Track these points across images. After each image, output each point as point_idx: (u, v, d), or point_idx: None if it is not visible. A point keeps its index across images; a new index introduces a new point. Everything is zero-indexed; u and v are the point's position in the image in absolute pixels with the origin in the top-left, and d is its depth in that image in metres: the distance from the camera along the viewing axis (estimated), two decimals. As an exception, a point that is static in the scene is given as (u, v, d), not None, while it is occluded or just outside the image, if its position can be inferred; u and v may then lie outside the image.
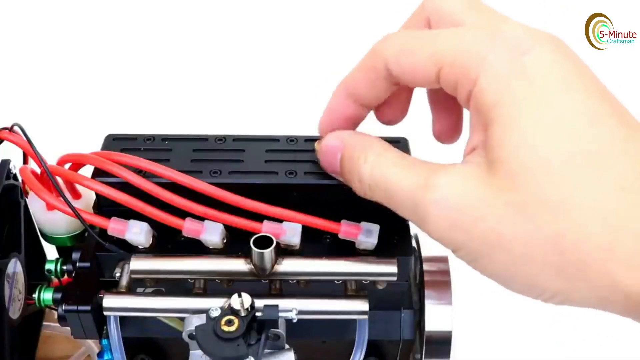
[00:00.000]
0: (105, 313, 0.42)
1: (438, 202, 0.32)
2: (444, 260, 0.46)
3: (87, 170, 0.43)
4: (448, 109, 0.40)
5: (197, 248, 0.43)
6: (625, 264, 0.29)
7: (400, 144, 0.45)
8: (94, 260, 0.44)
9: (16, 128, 0.45)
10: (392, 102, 0.39)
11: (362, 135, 0.38)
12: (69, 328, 0.44)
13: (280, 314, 0.39)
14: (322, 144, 0.39)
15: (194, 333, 0.39)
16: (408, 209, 0.34)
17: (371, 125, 0.40)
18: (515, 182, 0.30)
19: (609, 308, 0.31)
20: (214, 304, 0.39)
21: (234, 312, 0.38)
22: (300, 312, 0.41)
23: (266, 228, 0.41)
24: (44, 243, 0.53)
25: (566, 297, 0.31)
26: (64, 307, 0.42)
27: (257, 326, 0.39)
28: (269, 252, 0.40)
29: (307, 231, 0.42)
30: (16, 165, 0.50)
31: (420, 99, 0.41)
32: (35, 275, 0.52)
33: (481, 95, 0.32)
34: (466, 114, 0.36)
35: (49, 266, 0.48)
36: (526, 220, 0.30)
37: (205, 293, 0.43)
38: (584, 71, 0.31)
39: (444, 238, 0.33)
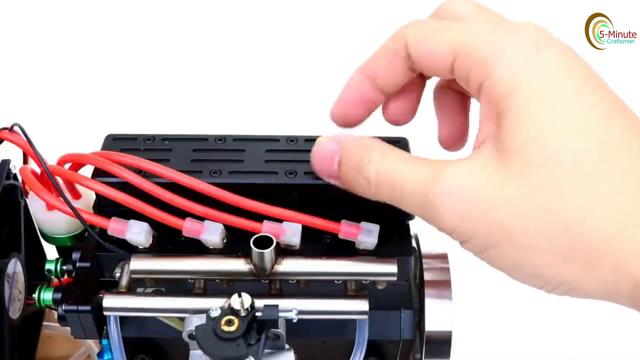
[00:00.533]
0: (105, 313, 0.42)
1: (449, 192, 0.32)
2: (444, 259, 0.46)
3: (87, 170, 0.43)
4: (454, 115, 0.40)
5: (197, 248, 0.43)
6: (635, 253, 0.29)
7: (400, 144, 0.45)
8: (94, 260, 0.44)
9: (16, 128, 0.45)
10: (402, 101, 0.40)
11: (360, 137, 0.38)
12: (69, 328, 0.44)
13: (280, 314, 0.39)
14: (316, 147, 0.39)
15: (194, 333, 0.39)
16: (417, 203, 0.34)
17: (370, 126, 0.41)
18: (528, 172, 0.31)
19: (615, 297, 0.31)
20: (214, 304, 0.39)
21: (234, 312, 0.38)
22: (300, 312, 0.41)
23: (266, 228, 0.41)
24: (44, 243, 0.53)
25: (572, 286, 0.31)
26: (64, 307, 0.42)
27: (257, 326, 0.39)
28: (269, 252, 0.40)
29: (307, 231, 0.42)
30: (16, 165, 0.50)
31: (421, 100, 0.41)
32: (35, 275, 0.52)
33: (496, 84, 0.32)
34: (473, 116, 0.36)
35: (49, 266, 0.48)
36: (537, 209, 0.30)
37: (205, 293, 0.43)
38: (593, 73, 0.33)
39: (454, 229, 0.33)
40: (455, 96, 0.40)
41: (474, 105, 0.40)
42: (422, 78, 0.40)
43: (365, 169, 0.36)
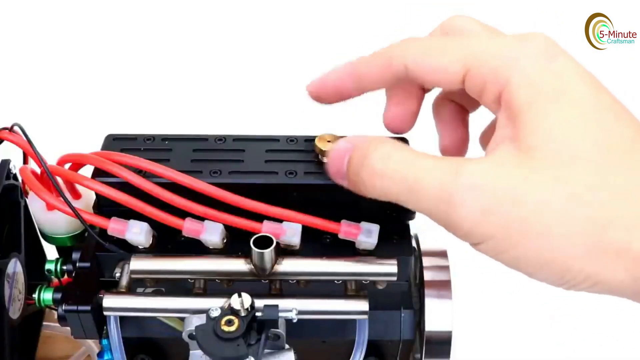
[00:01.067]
0: (105, 313, 0.42)
1: (472, 186, 0.32)
2: (443, 259, 0.46)
3: (87, 170, 0.43)
4: (455, 126, 0.41)
5: (197, 248, 0.43)
6: None
7: (400, 144, 0.45)
8: (94, 260, 0.44)
9: (16, 128, 0.45)
10: (403, 111, 0.40)
11: (372, 136, 0.38)
12: (69, 328, 0.44)
13: (280, 314, 0.39)
14: (332, 148, 0.38)
15: (194, 333, 0.39)
16: (433, 199, 0.33)
17: (368, 127, 0.41)
18: (550, 166, 0.31)
19: None
20: (214, 304, 0.39)
21: (234, 312, 0.38)
22: (300, 312, 0.41)
23: (266, 228, 0.41)
24: (44, 243, 0.53)
25: (598, 280, 0.32)
26: (64, 307, 0.42)
27: (257, 326, 0.39)
28: (269, 252, 0.40)
29: (307, 231, 0.42)
30: (16, 165, 0.50)
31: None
32: (35, 275, 0.52)
33: (515, 91, 0.33)
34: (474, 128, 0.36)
35: (49, 266, 0.48)
36: (562, 201, 0.31)
37: (205, 293, 0.43)
38: (596, 78, 0.34)
39: (473, 226, 0.32)
40: (455, 108, 0.41)
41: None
42: (422, 90, 0.40)
43: (378, 164, 0.35)
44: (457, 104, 0.41)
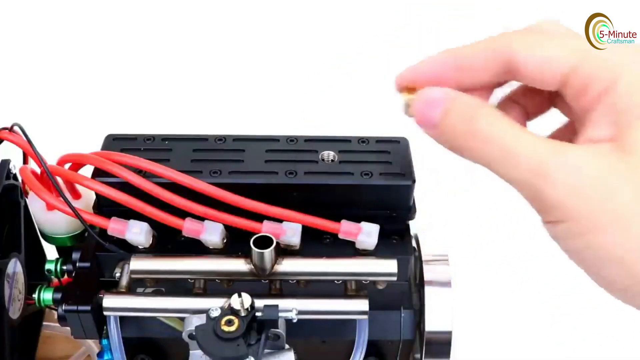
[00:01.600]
0: (105, 313, 0.42)
1: (569, 166, 0.32)
2: (444, 259, 0.46)
3: (87, 170, 0.43)
4: None
5: (197, 248, 0.43)
6: None
7: (400, 144, 0.45)
8: (94, 260, 0.44)
9: (16, 128, 0.45)
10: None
11: (470, 96, 0.37)
12: (69, 328, 0.44)
13: (280, 314, 0.39)
14: (423, 93, 0.37)
15: (194, 333, 0.39)
16: (529, 171, 0.33)
17: (367, 124, 0.40)
18: None
19: None
20: (214, 304, 0.39)
21: (234, 312, 0.38)
22: (300, 312, 0.41)
23: (266, 228, 0.41)
24: (44, 243, 0.53)
25: None
26: (64, 307, 0.43)
27: (257, 326, 0.39)
28: (269, 252, 0.40)
29: (307, 231, 0.42)
30: (16, 165, 0.50)
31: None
32: (35, 275, 0.52)
33: (624, 90, 0.33)
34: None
35: (49, 266, 0.48)
36: None
37: (205, 293, 0.43)
38: None
39: (560, 203, 0.32)
40: (518, 111, 0.40)
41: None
42: (490, 89, 0.40)
43: (478, 123, 0.35)
44: (521, 107, 0.40)
